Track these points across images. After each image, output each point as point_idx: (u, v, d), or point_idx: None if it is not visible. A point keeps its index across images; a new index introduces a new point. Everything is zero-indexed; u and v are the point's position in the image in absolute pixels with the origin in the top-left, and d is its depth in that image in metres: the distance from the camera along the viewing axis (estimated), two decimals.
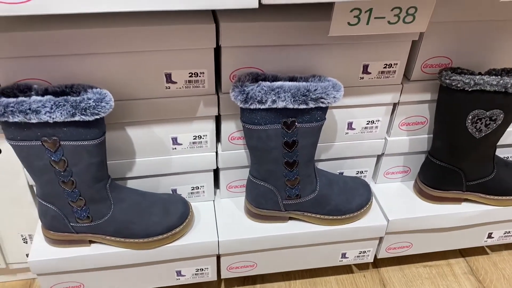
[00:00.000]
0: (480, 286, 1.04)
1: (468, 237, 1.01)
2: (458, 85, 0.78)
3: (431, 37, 0.79)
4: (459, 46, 0.82)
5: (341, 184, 0.89)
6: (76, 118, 0.66)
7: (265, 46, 0.74)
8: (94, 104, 0.66)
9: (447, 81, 0.79)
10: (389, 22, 0.67)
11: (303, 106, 0.73)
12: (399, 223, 0.92)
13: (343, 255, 0.96)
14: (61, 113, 0.65)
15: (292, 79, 0.76)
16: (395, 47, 0.79)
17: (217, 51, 0.74)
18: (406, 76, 0.85)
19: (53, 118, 0.65)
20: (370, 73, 0.81)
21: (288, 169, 0.81)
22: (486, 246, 1.14)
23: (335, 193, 0.87)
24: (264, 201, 0.86)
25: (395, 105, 0.87)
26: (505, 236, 1.03)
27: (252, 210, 0.88)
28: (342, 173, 0.96)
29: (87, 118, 0.66)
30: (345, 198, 0.88)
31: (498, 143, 0.96)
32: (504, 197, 0.93)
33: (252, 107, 0.72)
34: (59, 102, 0.65)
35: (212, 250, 0.86)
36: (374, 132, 0.90)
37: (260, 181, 0.84)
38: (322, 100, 0.73)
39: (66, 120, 0.66)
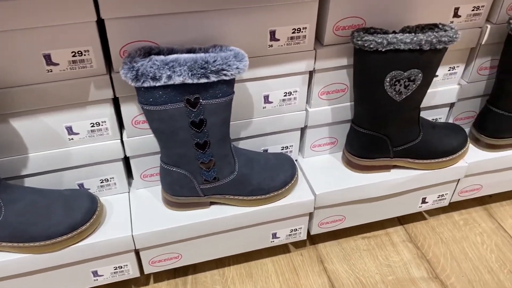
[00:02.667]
0: (418, 252, 1.03)
1: (402, 204, 0.98)
2: (371, 46, 0.73)
3: None
4: (371, 5, 0.77)
5: (263, 162, 0.83)
6: None
7: (156, 16, 0.66)
8: None
9: (359, 42, 0.74)
10: None
11: (203, 80, 0.66)
12: (327, 196, 0.88)
13: (274, 235, 0.91)
14: None
15: (190, 51, 0.69)
16: (302, 9, 0.73)
17: (103, 24, 0.66)
18: (319, 41, 0.80)
19: None
20: (279, 39, 0.75)
21: (200, 151, 0.75)
22: (424, 211, 1.13)
23: (257, 172, 0.82)
24: (180, 188, 0.80)
25: (311, 73, 0.82)
26: (439, 200, 1.01)
27: (169, 198, 0.82)
28: (267, 150, 0.91)
29: None
30: (268, 176, 0.83)
31: (423, 105, 0.93)
32: (432, 160, 0.91)
33: (145, 85, 0.65)
34: None
35: (127, 246, 0.79)
36: (293, 104, 0.84)
37: (172, 166, 0.77)
38: (224, 72, 0.66)
39: None
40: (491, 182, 1.03)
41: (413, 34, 0.74)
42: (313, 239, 1.04)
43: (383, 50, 0.74)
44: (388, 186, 0.91)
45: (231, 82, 0.69)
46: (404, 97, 0.80)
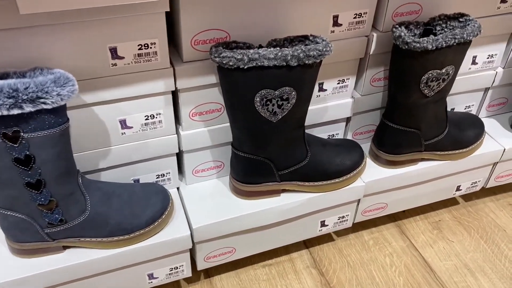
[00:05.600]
0: (322, 279, 0.95)
1: (299, 229, 0.90)
2: (231, 63, 0.64)
3: (192, 7, 0.64)
4: (234, 16, 0.68)
5: (126, 196, 0.73)
6: None
7: None
8: None
9: (217, 59, 0.65)
10: None
11: (17, 111, 0.55)
12: (207, 229, 0.78)
13: (151, 276, 0.80)
14: None
15: (2, 76, 0.57)
16: (147, 23, 0.63)
17: None
18: (180, 57, 0.70)
19: None
20: (123, 57, 0.64)
21: (35, 192, 0.63)
22: (333, 232, 1.05)
23: (116, 209, 0.71)
24: (20, 233, 0.68)
25: (175, 93, 0.72)
26: (340, 222, 0.94)
27: (12, 245, 0.70)
28: (138, 180, 0.80)
29: None
30: (130, 213, 0.72)
31: (315, 122, 0.86)
32: (324, 182, 0.82)
33: None
34: None
35: None
36: (159, 127, 0.74)
37: (6, 210, 0.65)
38: (42, 100, 0.55)
39: None
40: (396, 200, 0.96)
41: (277, 48, 0.66)
42: (208, 272, 0.95)
43: (245, 67, 0.64)
44: (278, 212, 0.83)
45: (59, 111, 0.58)
46: (280, 117, 0.72)
